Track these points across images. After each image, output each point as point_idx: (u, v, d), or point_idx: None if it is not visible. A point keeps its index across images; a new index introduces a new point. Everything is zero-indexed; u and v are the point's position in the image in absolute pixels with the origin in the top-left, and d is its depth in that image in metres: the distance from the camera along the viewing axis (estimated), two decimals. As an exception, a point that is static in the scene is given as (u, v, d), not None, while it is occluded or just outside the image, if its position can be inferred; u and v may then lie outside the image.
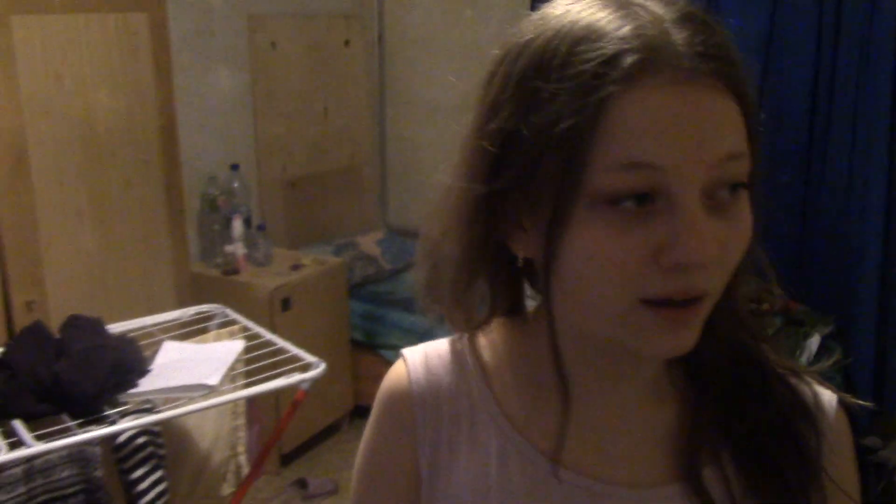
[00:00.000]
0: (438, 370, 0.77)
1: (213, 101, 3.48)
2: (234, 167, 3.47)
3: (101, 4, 2.58)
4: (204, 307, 2.36)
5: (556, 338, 0.67)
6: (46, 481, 1.65)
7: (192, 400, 1.79)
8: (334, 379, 3.38)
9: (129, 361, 1.82)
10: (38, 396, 1.73)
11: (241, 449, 2.16)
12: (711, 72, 0.58)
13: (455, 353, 0.78)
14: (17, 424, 1.69)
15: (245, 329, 2.20)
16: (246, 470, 2.17)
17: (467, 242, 0.69)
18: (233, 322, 2.27)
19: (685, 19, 0.60)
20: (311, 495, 3.19)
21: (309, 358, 2.00)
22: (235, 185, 3.45)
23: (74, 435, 1.66)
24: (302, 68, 3.83)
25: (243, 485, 2.09)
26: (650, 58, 0.57)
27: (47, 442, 1.64)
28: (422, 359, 0.78)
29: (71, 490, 1.67)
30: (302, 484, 3.23)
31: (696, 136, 0.57)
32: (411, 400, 0.77)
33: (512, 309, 0.77)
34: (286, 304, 3.25)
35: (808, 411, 0.73)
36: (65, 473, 1.66)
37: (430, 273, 0.76)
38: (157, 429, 1.79)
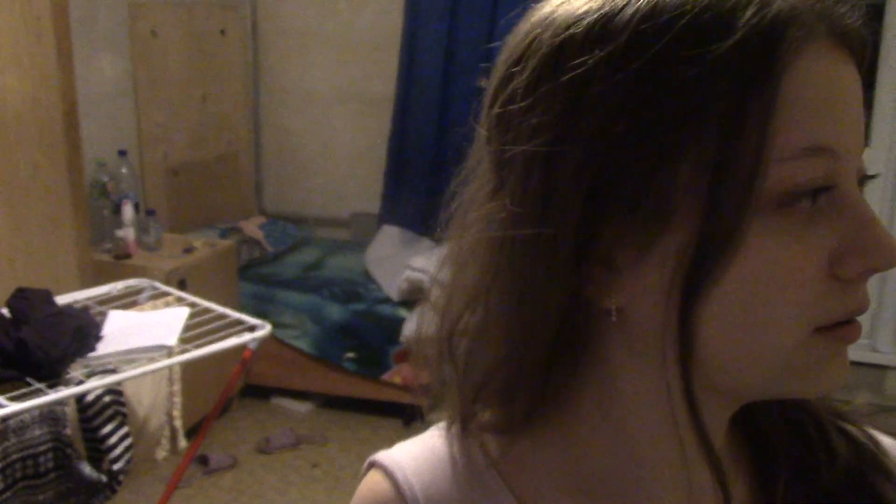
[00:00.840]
0: (442, 483, 0.58)
1: (98, 87, 3.50)
2: (122, 153, 3.50)
3: (4, -12, 2.60)
4: (132, 281, 2.44)
5: (697, 411, 0.50)
6: (20, 440, 1.73)
7: (151, 360, 1.91)
8: (219, 363, 3.49)
9: (87, 327, 1.92)
10: (1, 363, 1.80)
11: (176, 414, 2.27)
12: (862, 42, 0.50)
13: (463, 459, 0.58)
14: (-13, 389, 1.76)
15: (180, 299, 2.32)
16: (181, 434, 2.29)
17: (541, 313, 0.50)
18: (163, 294, 2.37)
19: None
20: (212, 470, 3.29)
21: (252, 321, 2.15)
22: (124, 170, 3.49)
23: (46, 396, 1.75)
24: (182, 56, 3.89)
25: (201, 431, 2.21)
26: (819, 13, 0.48)
27: (21, 402, 1.72)
28: (411, 465, 0.59)
29: (42, 448, 1.76)
30: (203, 460, 3.32)
31: (857, 116, 0.49)
32: None
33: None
34: (182, 285, 3.33)
35: (878, 459, 0.61)
36: (37, 432, 1.75)
37: (456, 361, 0.57)
38: (119, 388, 1.89)
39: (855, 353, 3.69)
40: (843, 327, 0.48)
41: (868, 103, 3.80)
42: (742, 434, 0.60)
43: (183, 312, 2.13)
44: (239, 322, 2.16)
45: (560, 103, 0.48)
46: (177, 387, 2.25)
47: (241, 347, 2.08)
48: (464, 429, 0.58)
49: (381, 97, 4.02)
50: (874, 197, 3.66)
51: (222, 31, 4.12)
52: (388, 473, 0.59)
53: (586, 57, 0.47)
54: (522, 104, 0.49)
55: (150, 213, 3.50)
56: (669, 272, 0.47)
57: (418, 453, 0.60)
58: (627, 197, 0.47)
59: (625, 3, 0.47)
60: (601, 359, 0.53)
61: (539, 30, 0.50)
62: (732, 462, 0.59)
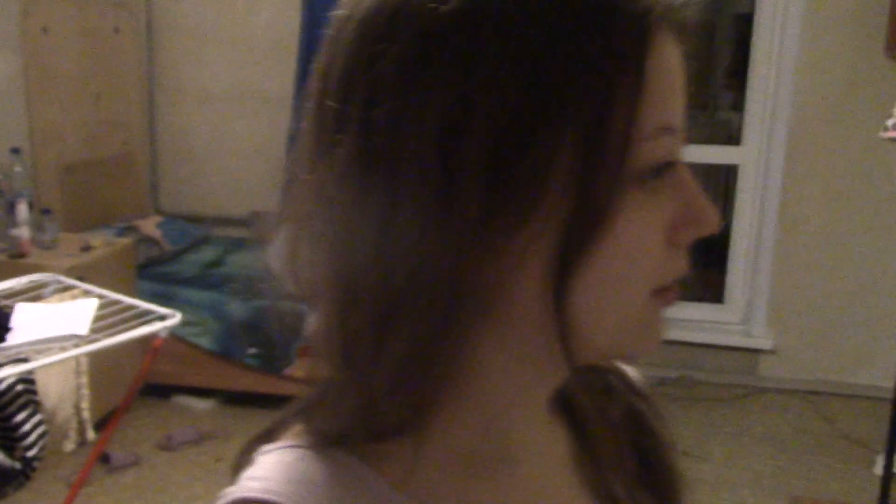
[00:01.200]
0: (323, 497, 0.52)
1: (-12, 83, 3.44)
2: (15, 150, 3.45)
3: None
4: (36, 276, 2.44)
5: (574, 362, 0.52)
6: (-68, 430, 1.74)
7: (63, 349, 1.93)
8: (125, 356, 3.48)
9: (-4, 318, 1.93)
10: None
11: (84, 405, 2.29)
12: (694, 34, 0.54)
13: (336, 468, 0.54)
14: None
15: (86, 292, 2.33)
16: (89, 426, 2.30)
17: (450, 293, 0.49)
18: (69, 288, 2.38)
19: None
20: (114, 468, 3.28)
21: (161, 310, 2.18)
22: (17, 169, 3.43)
23: (-43, 385, 1.76)
24: (75, 54, 3.85)
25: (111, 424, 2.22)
26: (671, 11, 0.51)
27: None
28: (297, 491, 0.52)
29: (-45, 437, 1.77)
30: (104, 458, 3.31)
31: (685, 100, 0.53)
32: None
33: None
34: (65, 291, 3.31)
35: (631, 383, 0.69)
36: (-51, 422, 1.76)
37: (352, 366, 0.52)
38: (31, 377, 1.91)
39: (730, 338, 3.97)
40: (670, 290, 0.53)
41: (739, 105, 4.09)
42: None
43: (92, 303, 2.15)
44: (148, 312, 2.19)
45: (447, 83, 0.47)
46: (84, 379, 2.27)
47: (149, 338, 2.12)
48: (343, 442, 0.54)
49: (279, 95, 4.06)
50: (749, 186, 3.93)
51: (116, 29, 4.09)
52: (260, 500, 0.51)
53: (466, 34, 0.47)
54: (397, 86, 0.48)
55: (45, 211, 3.46)
56: (544, 248, 0.49)
57: (294, 477, 0.52)
58: (511, 175, 0.47)
59: None
60: (477, 347, 0.53)
61: (398, 4, 0.49)
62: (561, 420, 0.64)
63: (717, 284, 4.22)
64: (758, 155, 3.87)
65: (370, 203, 0.49)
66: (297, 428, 0.56)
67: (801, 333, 3.92)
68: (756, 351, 3.98)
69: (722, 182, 6.11)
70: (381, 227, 0.48)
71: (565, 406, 0.64)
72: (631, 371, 0.69)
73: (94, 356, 2.14)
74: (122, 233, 3.83)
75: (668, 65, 0.50)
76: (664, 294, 0.53)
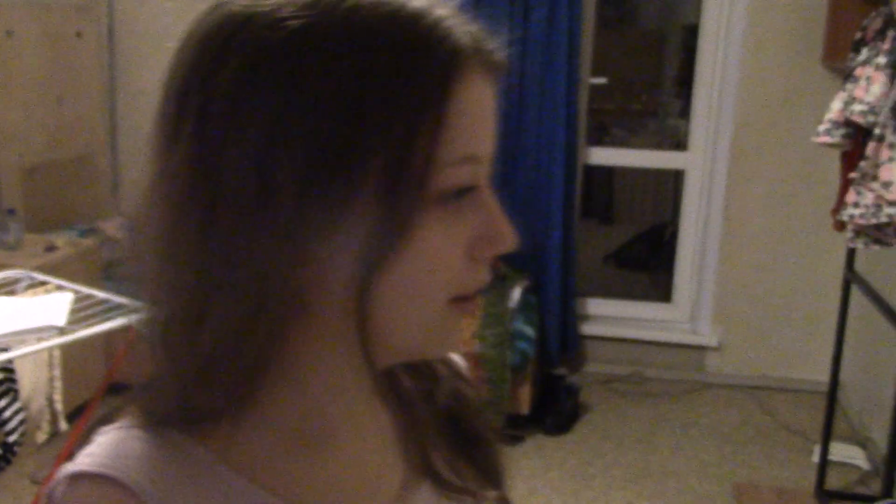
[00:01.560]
0: (174, 483, 0.57)
1: (-48, 85, 3.47)
2: (-21, 151, 3.48)
3: None
4: (7, 273, 2.49)
5: (373, 365, 0.58)
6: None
7: (42, 339, 2.00)
8: (91, 357, 3.52)
9: (-25, 310, 1.99)
10: None
11: (57, 397, 2.36)
12: (503, 71, 0.60)
13: (181, 454, 0.58)
14: None
15: (60, 287, 2.39)
16: (62, 417, 2.37)
17: (253, 297, 0.54)
18: (42, 283, 2.44)
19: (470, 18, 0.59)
20: (79, 465, 3.32)
21: (136, 304, 2.25)
22: (-19, 169, 3.47)
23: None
24: (37, 57, 3.89)
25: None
26: (477, 48, 0.57)
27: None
28: (134, 466, 0.56)
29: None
30: (70, 457, 3.34)
31: (494, 129, 0.59)
32: None
33: None
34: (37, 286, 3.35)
35: (457, 370, 0.76)
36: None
37: (172, 352, 0.58)
38: (12, 366, 1.98)
39: (678, 335, 4.13)
40: (469, 300, 0.60)
41: (687, 112, 4.25)
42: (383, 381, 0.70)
43: (67, 297, 2.22)
44: (121, 306, 2.26)
45: (270, 104, 0.52)
46: (57, 371, 2.33)
47: (120, 331, 2.19)
48: (169, 422, 0.58)
49: (241, 101, 4.13)
50: (695, 190, 4.08)
51: (78, 33, 4.13)
52: (114, 482, 0.55)
53: (292, 64, 0.52)
54: (226, 103, 0.53)
55: (9, 212, 3.49)
56: (351, 256, 0.54)
57: (123, 452, 0.57)
58: (322, 191, 0.53)
59: (326, 14, 0.53)
60: (293, 338, 0.58)
61: (234, 28, 0.54)
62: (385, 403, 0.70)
63: (665, 284, 4.39)
64: (703, 160, 4.03)
65: (195, 205, 0.54)
66: (132, 410, 0.60)
67: (744, 331, 4.09)
68: (702, 348, 4.14)
69: (671, 186, 6.31)
70: (201, 228, 0.54)
71: (392, 388, 0.70)
72: (458, 358, 0.77)
73: (65, 351, 2.21)
74: (84, 234, 3.88)
75: (476, 100, 0.56)
76: (463, 303, 0.59)
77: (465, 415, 0.74)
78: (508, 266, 3.78)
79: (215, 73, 0.54)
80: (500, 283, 3.64)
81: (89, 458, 0.57)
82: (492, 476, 0.74)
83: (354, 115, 0.52)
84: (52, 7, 3.96)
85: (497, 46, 0.59)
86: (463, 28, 0.56)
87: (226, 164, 0.53)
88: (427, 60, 0.54)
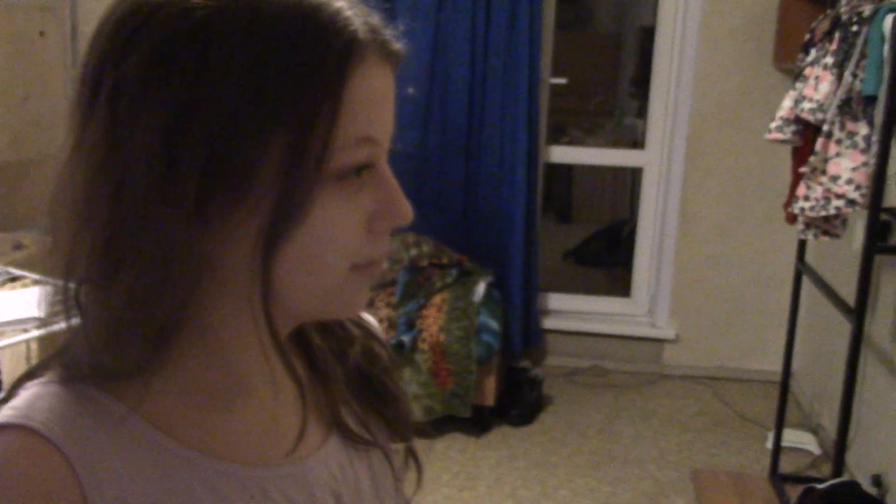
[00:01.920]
0: (91, 435, 0.60)
1: (-84, 84, 3.46)
2: (-56, 150, 3.48)
3: None
4: (-17, 268, 2.51)
5: (275, 333, 0.62)
6: None
7: (25, 330, 2.03)
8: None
9: (-44, 303, 2.01)
10: None
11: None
12: (399, 58, 0.64)
13: (95, 407, 0.61)
14: None
15: (36, 282, 2.42)
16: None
17: (161, 265, 0.58)
18: (19, 278, 2.46)
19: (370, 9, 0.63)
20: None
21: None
22: (-53, 167, 3.46)
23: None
24: (1, 57, 3.88)
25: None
26: (374, 37, 0.61)
27: None
28: (51, 418, 0.59)
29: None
30: None
31: (392, 113, 0.64)
32: (73, 477, 0.58)
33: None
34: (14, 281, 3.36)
35: (370, 330, 0.82)
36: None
37: (83, 313, 0.62)
38: (-7, 358, 2.01)
39: (636, 328, 4.24)
40: (370, 267, 0.65)
41: (644, 112, 4.36)
42: (295, 340, 0.75)
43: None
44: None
45: (178, 87, 0.56)
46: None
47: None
48: (86, 378, 0.61)
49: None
50: (652, 187, 4.19)
51: (41, 33, 4.13)
52: (33, 432, 0.58)
53: (199, 49, 0.56)
54: (138, 83, 0.56)
55: (-25, 210, 3.49)
56: (254, 228, 0.58)
57: (45, 405, 0.60)
58: (225, 168, 0.57)
59: (232, 3, 0.57)
60: (203, 302, 0.63)
61: (146, 15, 0.57)
62: (297, 360, 0.74)
63: (624, 280, 4.50)
64: (660, 158, 4.14)
65: (107, 176, 0.58)
66: (54, 366, 0.63)
67: (700, 324, 4.21)
68: (660, 340, 4.25)
69: (628, 185, 6.45)
70: (112, 198, 0.57)
71: (304, 347, 0.76)
72: (372, 320, 0.83)
73: (42, 344, 2.23)
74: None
75: (372, 87, 0.61)
76: (365, 269, 0.65)
77: (375, 373, 0.80)
78: (474, 262, 3.86)
79: (127, 56, 0.57)
80: (465, 279, 3.71)
81: (13, 411, 0.60)
82: (400, 429, 0.81)
83: (257, 97, 0.56)
84: (15, 7, 3.96)
85: (393, 36, 0.63)
86: (361, 18, 0.60)
87: (135, 139, 0.56)
88: (326, 48, 0.58)
